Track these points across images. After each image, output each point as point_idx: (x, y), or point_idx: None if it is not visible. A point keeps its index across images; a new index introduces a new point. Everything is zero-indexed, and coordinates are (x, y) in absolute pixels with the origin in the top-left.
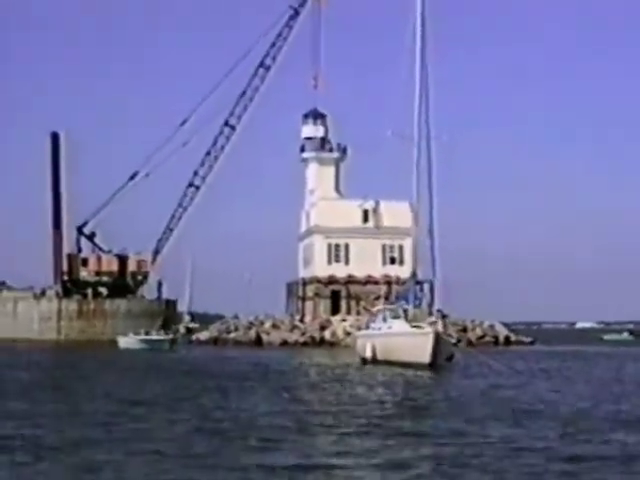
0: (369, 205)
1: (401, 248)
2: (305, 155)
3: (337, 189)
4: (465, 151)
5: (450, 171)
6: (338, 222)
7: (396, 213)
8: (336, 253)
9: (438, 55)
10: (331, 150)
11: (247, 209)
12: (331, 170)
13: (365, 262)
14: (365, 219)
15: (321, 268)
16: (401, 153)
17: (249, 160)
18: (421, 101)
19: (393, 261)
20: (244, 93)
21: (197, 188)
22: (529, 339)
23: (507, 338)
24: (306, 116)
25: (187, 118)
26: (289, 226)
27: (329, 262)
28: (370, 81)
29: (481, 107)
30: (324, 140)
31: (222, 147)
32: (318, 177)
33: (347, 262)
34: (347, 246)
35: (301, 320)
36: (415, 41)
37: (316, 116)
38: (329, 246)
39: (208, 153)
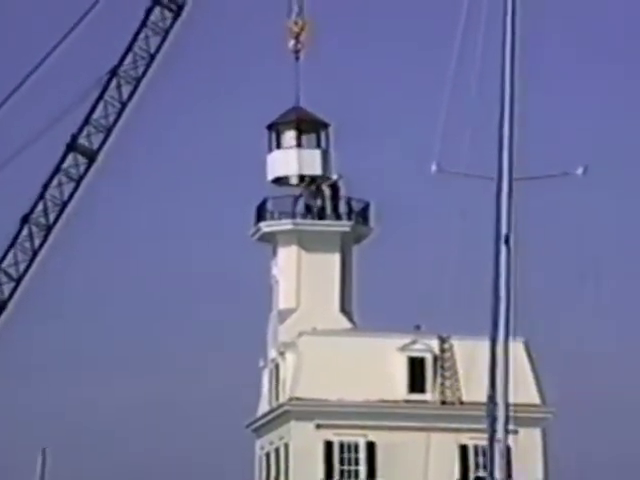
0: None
1: None
2: (267, 228)
3: (343, 308)
4: None
5: None
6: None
7: None
8: None
9: None
10: (338, 216)
11: None
12: (333, 260)
13: None
14: None
15: None
16: None
17: None
18: None
19: None
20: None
21: None
22: None
23: None
24: (275, 128)
25: None
26: None
27: None
28: None
29: None
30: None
31: None
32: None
33: None
34: None
35: None
36: None
37: (303, 125)
38: None
39: None
